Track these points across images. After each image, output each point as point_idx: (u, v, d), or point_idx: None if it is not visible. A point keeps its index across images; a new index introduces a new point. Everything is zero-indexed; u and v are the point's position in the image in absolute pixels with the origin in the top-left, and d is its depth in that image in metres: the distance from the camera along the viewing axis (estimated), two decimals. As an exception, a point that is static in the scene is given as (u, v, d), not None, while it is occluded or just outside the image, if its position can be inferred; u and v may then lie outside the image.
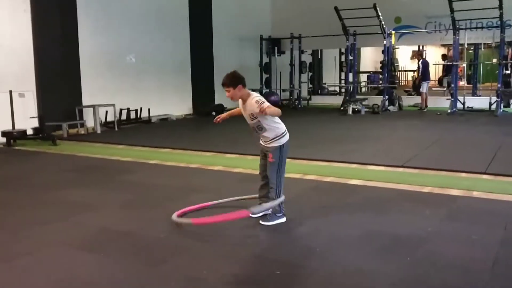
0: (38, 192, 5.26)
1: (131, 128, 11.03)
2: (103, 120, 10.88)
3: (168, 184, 5.55)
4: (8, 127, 8.63)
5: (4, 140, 8.54)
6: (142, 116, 11.96)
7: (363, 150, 7.43)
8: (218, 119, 4.29)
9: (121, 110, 11.39)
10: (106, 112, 10.84)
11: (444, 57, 19.37)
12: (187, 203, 4.47)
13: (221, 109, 13.43)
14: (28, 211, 4.56)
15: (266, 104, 3.78)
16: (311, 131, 9.95)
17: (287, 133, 4.08)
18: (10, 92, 8.55)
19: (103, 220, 4.24)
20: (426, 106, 14.02)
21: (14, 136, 8.56)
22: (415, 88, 16.37)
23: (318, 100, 17.33)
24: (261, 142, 4.10)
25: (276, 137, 4.01)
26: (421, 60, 16.20)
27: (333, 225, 4.00)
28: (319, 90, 19.52)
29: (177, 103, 13.42)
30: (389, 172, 5.97)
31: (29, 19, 9.49)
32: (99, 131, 10.23)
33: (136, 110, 11.75)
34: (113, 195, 5.08)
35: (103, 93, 11.07)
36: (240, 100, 4.02)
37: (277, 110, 3.82)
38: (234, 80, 3.91)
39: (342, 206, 4.51)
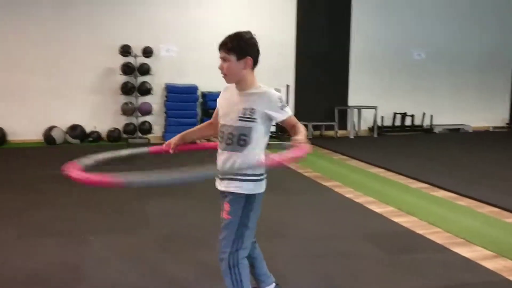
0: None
1: (398, 137, 9.11)
2: (371, 125, 9.37)
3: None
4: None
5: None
6: (424, 124, 9.78)
7: None
8: (169, 149, 2.33)
9: (394, 114, 9.60)
10: (375, 115, 9.21)
11: None
12: None
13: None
14: None
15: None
16: None
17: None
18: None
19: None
20: None
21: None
22: None
23: None
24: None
25: (252, 173, 2.07)
26: None
27: None
28: None
29: (481, 111, 10.34)
30: None
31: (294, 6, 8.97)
32: (351, 136, 8.83)
33: (412, 116, 9.65)
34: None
35: (373, 93, 9.51)
36: (230, 89, 2.16)
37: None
38: (242, 45, 2.04)
39: None
